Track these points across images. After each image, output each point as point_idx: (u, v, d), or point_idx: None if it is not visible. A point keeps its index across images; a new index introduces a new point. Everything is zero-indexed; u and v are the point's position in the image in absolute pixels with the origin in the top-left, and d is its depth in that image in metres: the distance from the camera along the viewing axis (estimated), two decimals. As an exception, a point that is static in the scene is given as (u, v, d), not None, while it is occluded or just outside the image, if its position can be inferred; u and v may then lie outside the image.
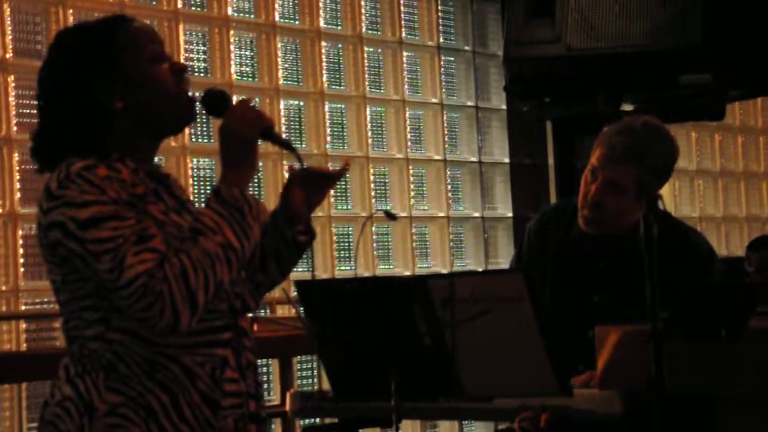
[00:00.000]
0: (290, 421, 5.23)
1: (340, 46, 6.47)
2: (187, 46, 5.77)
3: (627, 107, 4.66)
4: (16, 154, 5.11)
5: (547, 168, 6.97)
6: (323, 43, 6.36)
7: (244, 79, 6.01)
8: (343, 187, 6.38)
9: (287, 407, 3.27)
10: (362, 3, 6.54)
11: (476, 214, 7.03)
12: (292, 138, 6.11)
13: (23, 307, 5.16)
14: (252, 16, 6.08)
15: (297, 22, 6.28)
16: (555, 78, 4.55)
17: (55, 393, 2.33)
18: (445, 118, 6.91)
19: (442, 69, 6.93)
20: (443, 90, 6.92)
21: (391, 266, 6.56)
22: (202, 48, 5.87)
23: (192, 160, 5.70)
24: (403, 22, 6.75)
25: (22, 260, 5.12)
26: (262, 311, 5.61)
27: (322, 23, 6.35)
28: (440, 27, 6.96)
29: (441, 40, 6.95)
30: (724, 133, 8.58)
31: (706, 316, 2.75)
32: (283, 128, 6.05)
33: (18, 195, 5.12)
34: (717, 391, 2.87)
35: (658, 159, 3.24)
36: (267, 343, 4.70)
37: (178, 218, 2.35)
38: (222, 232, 2.26)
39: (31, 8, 5.28)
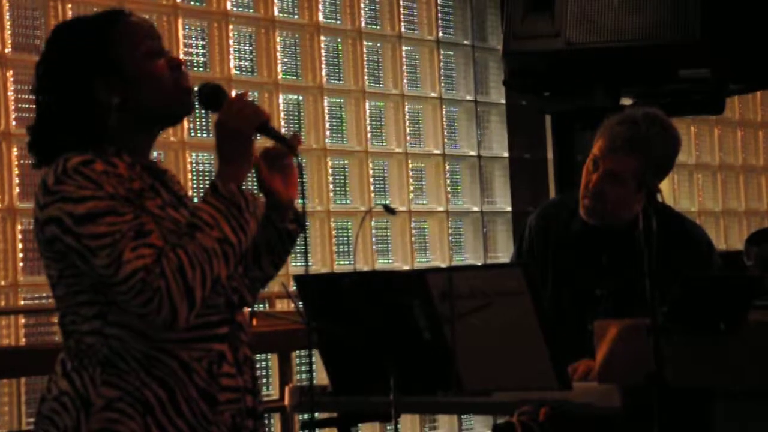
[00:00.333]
0: (289, 416, 5.23)
1: (339, 40, 6.47)
2: (185, 41, 5.77)
3: (626, 101, 4.66)
4: (15, 149, 5.11)
5: (547, 162, 6.96)
6: (322, 38, 6.35)
7: (243, 73, 6.00)
8: (342, 181, 6.38)
9: (286, 402, 3.26)
10: (361, -3, 6.55)
11: (475, 209, 7.02)
12: (292, 133, 6.09)
13: (22, 302, 5.17)
14: (251, 10, 6.07)
15: (296, 17, 6.27)
16: (554, 72, 4.55)
17: (52, 388, 2.33)
18: (444, 112, 6.90)
19: (442, 63, 6.92)
20: (442, 84, 6.91)
21: (390, 261, 6.55)
22: (201, 42, 5.86)
23: (191, 155, 5.68)
24: (402, 17, 6.74)
25: (21, 255, 5.13)
26: (261, 306, 5.61)
27: (321, 18, 6.35)
28: (439, 21, 6.96)
29: (440, 34, 6.94)
30: (723, 127, 8.58)
31: (705, 308, 2.75)
32: (282, 123, 6.05)
33: (17, 190, 5.12)
34: (716, 385, 2.86)
35: (658, 150, 3.23)
36: (266, 337, 4.69)
37: (175, 213, 2.34)
38: (219, 227, 2.25)
39: (29, 3, 5.28)
